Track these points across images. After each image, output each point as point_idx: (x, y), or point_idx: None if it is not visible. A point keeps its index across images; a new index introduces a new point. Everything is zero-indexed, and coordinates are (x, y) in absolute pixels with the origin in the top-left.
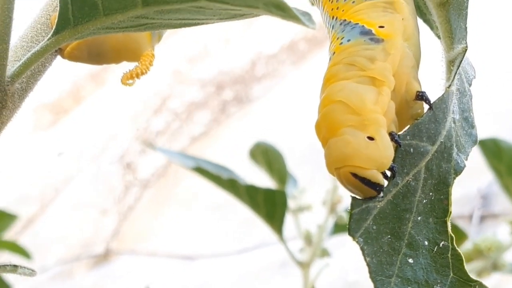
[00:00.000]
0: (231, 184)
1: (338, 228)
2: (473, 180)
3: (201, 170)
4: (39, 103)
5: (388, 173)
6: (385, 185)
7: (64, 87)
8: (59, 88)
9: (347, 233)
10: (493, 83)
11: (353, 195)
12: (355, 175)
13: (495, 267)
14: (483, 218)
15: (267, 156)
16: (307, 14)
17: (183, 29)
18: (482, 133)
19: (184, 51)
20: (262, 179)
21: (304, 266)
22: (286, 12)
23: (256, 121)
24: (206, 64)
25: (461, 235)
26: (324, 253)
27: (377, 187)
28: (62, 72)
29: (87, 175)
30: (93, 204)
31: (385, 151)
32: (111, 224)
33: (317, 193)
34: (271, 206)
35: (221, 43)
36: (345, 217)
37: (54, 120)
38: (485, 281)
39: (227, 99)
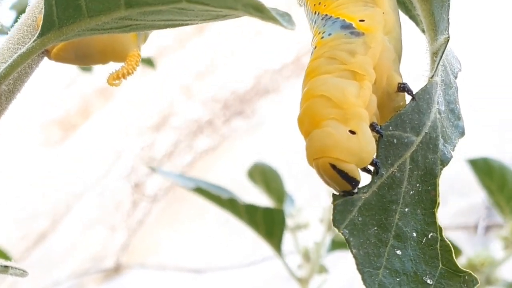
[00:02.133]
0: (231, 204)
1: (335, 245)
2: (478, 191)
3: (202, 191)
4: (48, 119)
5: (371, 168)
6: (363, 180)
7: (72, 103)
8: (68, 104)
9: (345, 250)
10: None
11: (328, 186)
12: (333, 167)
13: (489, 282)
14: (488, 228)
15: (264, 176)
16: (286, 15)
17: (190, 44)
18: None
19: (191, 67)
20: (263, 198)
21: (303, 282)
22: (264, 14)
23: (260, 139)
24: (213, 80)
25: (454, 250)
26: (322, 269)
27: (353, 181)
28: (70, 88)
29: (96, 192)
30: (103, 220)
31: (366, 145)
32: (120, 238)
33: (315, 210)
34: (270, 224)
35: (227, 58)
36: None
37: (63, 136)
38: None
39: (232, 117)
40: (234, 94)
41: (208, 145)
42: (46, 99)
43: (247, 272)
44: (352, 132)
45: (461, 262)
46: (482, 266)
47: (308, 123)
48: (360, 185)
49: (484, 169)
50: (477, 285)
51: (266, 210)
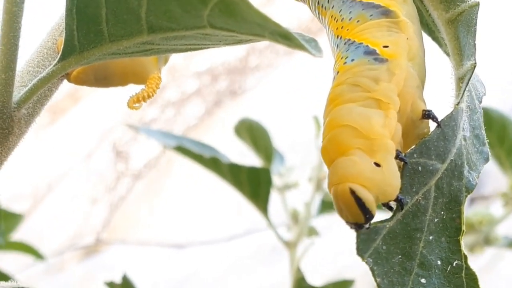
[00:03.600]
0: (214, 163)
1: (325, 206)
2: None
3: (183, 150)
4: None
5: (393, 205)
6: (382, 216)
7: (62, 87)
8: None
9: (334, 211)
10: None
11: (341, 216)
12: (352, 193)
13: (488, 241)
14: (473, 200)
15: (252, 132)
16: (313, 41)
17: None
18: None
19: None
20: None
21: (291, 245)
22: (292, 42)
23: (250, 111)
24: (202, 58)
25: None
26: (312, 232)
27: (367, 214)
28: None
29: (80, 169)
30: (85, 196)
31: (391, 179)
32: (102, 215)
33: (305, 174)
34: (255, 184)
35: None
36: None
37: (51, 120)
38: (479, 256)
39: (221, 89)
40: (224, 66)
41: (196, 118)
42: None
43: (230, 246)
44: (377, 165)
45: None
46: (480, 224)
47: (333, 152)
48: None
49: (483, 119)
50: (475, 245)
51: (251, 169)
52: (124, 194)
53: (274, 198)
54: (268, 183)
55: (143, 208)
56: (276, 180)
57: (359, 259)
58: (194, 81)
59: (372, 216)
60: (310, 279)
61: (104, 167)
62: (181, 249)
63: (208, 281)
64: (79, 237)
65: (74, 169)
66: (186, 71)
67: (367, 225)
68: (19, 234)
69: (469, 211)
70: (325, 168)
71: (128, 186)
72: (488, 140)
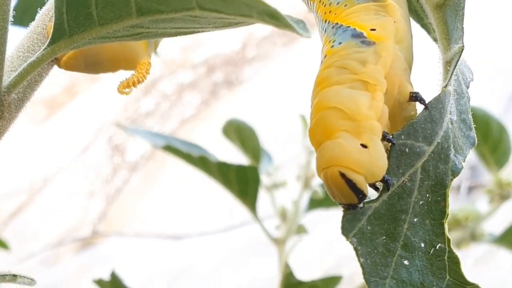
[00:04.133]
0: (202, 162)
1: (313, 203)
2: None
3: (172, 149)
4: (35, 98)
5: (379, 186)
6: (371, 195)
7: (59, 82)
8: (55, 83)
9: (322, 208)
10: None
11: (334, 199)
12: (342, 176)
13: (474, 237)
14: (471, 189)
15: (239, 133)
16: (301, 22)
17: None
18: None
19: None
20: (241, 155)
21: (279, 243)
22: (280, 21)
23: (246, 102)
24: (199, 49)
25: None
26: (301, 229)
27: (360, 194)
28: (57, 68)
29: (77, 162)
30: (82, 188)
31: (377, 160)
32: (98, 207)
33: (295, 170)
34: (243, 183)
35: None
36: (320, 192)
37: (48, 114)
38: (470, 254)
39: (217, 81)
40: (220, 57)
41: (193, 110)
42: None
43: (226, 237)
44: (364, 146)
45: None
46: (466, 220)
47: (320, 134)
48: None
49: None
50: (462, 241)
51: (239, 168)
52: (120, 186)
53: (263, 196)
54: (256, 181)
55: (139, 200)
56: (264, 179)
57: (347, 256)
58: (191, 72)
59: (364, 196)
60: (299, 275)
61: (100, 159)
62: (177, 241)
63: (203, 272)
64: (75, 230)
65: (71, 163)
66: (184, 62)
67: (361, 204)
68: (16, 225)
69: (467, 202)
70: (313, 167)
71: (124, 178)
72: None
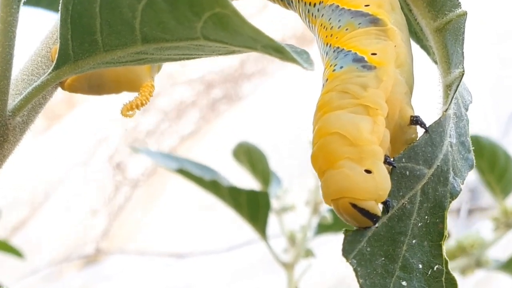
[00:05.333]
0: (214, 186)
1: (321, 228)
2: None
3: (184, 172)
4: None
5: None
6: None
7: (57, 93)
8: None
9: (330, 233)
10: None
11: (347, 223)
12: (353, 205)
13: (479, 264)
14: (470, 212)
15: (250, 156)
16: (304, 53)
17: None
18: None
19: None
20: (249, 178)
21: (288, 266)
22: (284, 55)
23: (245, 119)
24: (197, 65)
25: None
26: (308, 253)
27: (374, 217)
28: None
29: (77, 177)
30: (84, 205)
31: (382, 184)
32: (101, 224)
33: (302, 191)
34: (254, 207)
35: None
36: (329, 217)
37: (47, 126)
38: (470, 278)
39: (217, 97)
40: (219, 74)
41: (192, 127)
42: None
43: (230, 256)
44: (368, 171)
45: (450, 244)
46: (472, 248)
47: (323, 161)
48: None
49: (474, 147)
50: (467, 268)
51: (250, 193)
52: (122, 203)
53: (272, 220)
54: (266, 206)
55: (142, 217)
56: (273, 202)
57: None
58: (190, 88)
59: (379, 217)
60: None
61: (101, 177)
62: (180, 259)
63: None
64: (78, 246)
65: (71, 177)
66: (182, 77)
67: (376, 224)
68: (17, 240)
69: (466, 225)
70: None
71: (126, 195)
72: (478, 167)
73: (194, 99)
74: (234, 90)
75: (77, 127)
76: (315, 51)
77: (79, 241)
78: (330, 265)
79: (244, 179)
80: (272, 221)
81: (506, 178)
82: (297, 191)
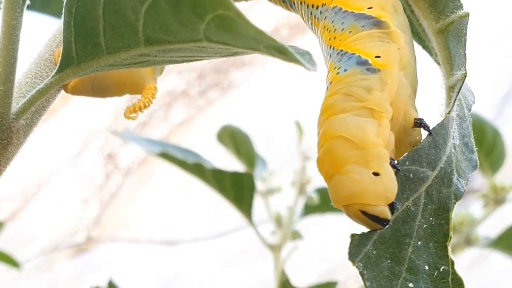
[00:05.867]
0: (197, 169)
1: (308, 209)
2: None
3: (167, 156)
4: None
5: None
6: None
7: None
8: None
9: (318, 214)
10: None
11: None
12: (364, 212)
13: (469, 242)
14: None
15: (234, 139)
16: (307, 54)
17: None
18: None
19: None
20: (237, 163)
21: (275, 249)
22: (287, 56)
23: (237, 108)
24: None
25: None
26: (296, 235)
27: (384, 222)
28: None
29: (70, 168)
30: (76, 194)
31: (390, 185)
32: (92, 212)
33: (288, 174)
34: (238, 189)
35: None
36: (315, 197)
37: (42, 120)
38: (461, 255)
39: (208, 86)
40: (210, 64)
41: (184, 115)
42: None
43: (219, 242)
44: (376, 174)
45: None
46: (461, 225)
47: (329, 166)
48: None
49: None
50: (456, 246)
51: (234, 175)
52: (114, 191)
53: (257, 202)
54: (251, 188)
55: (133, 205)
56: (259, 185)
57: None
58: (181, 77)
59: (389, 220)
60: (296, 281)
61: (93, 165)
62: (171, 246)
63: (198, 277)
64: (70, 235)
65: (64, 168)
66: (173, 67)
67: (387, 226)
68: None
69: (459, 206)
70: (308, 173)
71: (118, 184)
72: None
73: (185, 88)
74: (225, 79)
75: (71, 120)
76: (308, 39)
77: (71, 230)
78: (318, 248)
79: (235, 166)
80: (259, 205)
81: (494, 154)
82: (284, 174)
